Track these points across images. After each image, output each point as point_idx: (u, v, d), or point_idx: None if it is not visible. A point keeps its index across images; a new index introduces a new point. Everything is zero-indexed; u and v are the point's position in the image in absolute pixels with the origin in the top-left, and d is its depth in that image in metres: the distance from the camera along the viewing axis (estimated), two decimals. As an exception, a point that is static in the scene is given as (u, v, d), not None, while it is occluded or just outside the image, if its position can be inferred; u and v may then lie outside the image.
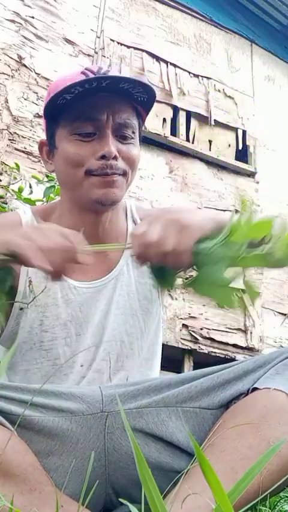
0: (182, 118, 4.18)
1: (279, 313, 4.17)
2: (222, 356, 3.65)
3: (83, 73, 1.04)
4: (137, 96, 1.03)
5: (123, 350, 1.09)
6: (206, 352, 3.60)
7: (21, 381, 1.05)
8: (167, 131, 4.01)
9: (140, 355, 1.11)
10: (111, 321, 1.09)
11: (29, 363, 1.07)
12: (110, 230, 1.13)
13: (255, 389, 0.85)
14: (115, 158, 1.02)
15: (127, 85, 1.00)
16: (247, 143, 4.48)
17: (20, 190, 2.66)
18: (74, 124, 1.03)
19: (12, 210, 2.65)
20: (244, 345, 3.78)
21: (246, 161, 4.44)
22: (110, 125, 1.03)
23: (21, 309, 1.08)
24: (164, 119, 4.04)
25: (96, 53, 3.87)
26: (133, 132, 1.06)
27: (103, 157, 1.01)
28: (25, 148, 3.29)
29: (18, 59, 3.45)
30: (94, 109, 1.02)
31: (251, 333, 3.86)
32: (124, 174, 1.05)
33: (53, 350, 1.06)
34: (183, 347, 3.50)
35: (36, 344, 1.06)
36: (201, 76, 4.40)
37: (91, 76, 1.02)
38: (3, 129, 3.23)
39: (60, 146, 1.07)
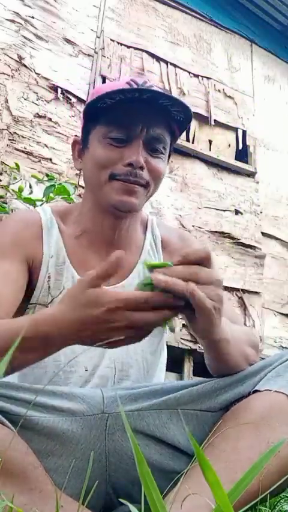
0: (182, 118, 4.18)
1: (279, 313, 4.17)
2: (222, 356, 3.65)
3: (128, 83, 1.09)
4: (174, 114, 1.07)
5: (128, 359, 1.10)
6: (206, 352, 3.60)
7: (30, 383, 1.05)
8: (167, 131, 4.01)
9: (144, 365, 1.12)
10: None
11: (37, 366, 1.06)
12: (125, 237, 1.17)
13: (255, 391, 0.85)
14: (141, 168, 1.06)
15: (166, 102, 1.04)
16: (247, 143, 4.48)
17: (20, 190, 2.66)
18: (109, 128, 1.07)
19: (12, 210, 2.65)
20: (244, 345, 3.78)
21: (246, 161, 4.44)
22: (142, 136, 1.06)
23: (38, 303, 1.10)
24: (164, 119, 4.05)
25: (96, 53, 3.87)
26: (164, 148, 1.10)
27: (130, 164, 1.05)
28: (25, 148, 3.29)
29: (18, 59, 3.45)
30: (130, 117, 1.06)
31: (251, 333, 3.86)
32: (146, 186, 1.09)
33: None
34: (183, 347, 3.50)
35: None
36: (201, 76, 4.40)
37: (135, 86, 1.07)
38: (3, 129, 3.23)
39: (92, 146, 1.11)
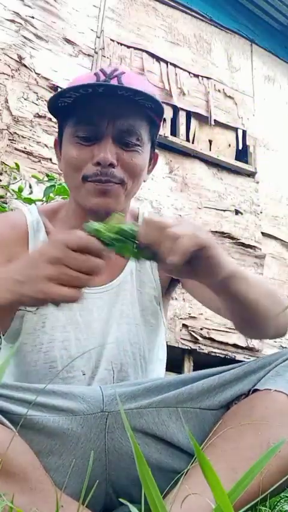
0: (182, 118, 4.18)
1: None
2: (222, 356, 3.65)
3: (96, 74, 1.04)
4: (142, 103, 1.01)
5: (126, 359, 1.08)
6: (206, 352, 3.60)
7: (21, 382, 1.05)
8: (167, 131, 4.01)
9: (144, 366, 1.11)
10: (114, 329, 1.08)
11: (29, 365, 1.06)
12: None
13: (255, 390, 0.85)
14: (111, 165, 1.00)
15: (126, 93, 0.98)
16: (247, 143, 4.48)
17: (20, 190, 2.66)
18: (76, 127, 1.03)
19: (12, 210, 2.65)
20: (244, 345, 3.78)
21: (246, 161, 4.44)
22: (110, 132, 1.01)
23: (27, 310, 1.07)
24: (164, 119, 4.04)
25: (96, 53, 3.87)
26: (138, 139, 1.03)
27: (98, 163, 1.00)
28: (25, 148, 3.29)
29: (18, 59, 3.45)
30: (94, 113, 1.01)
31: (251, 333, 3.86)
32: (122, 183, 1.03)
33: (49, 352, 1.05)
34: (183, 347, 3.50)
35: (37, 345, 1.06)
36: (201, 76, 4.40)
37: (102, 77, 1.02)
38: (3, 129, 3.23)
39: (64, 147, 1.07)
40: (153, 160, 1.15)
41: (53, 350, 1.05)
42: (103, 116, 1.01)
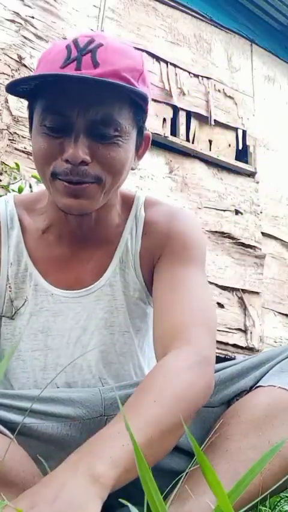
0: (182, 118, 4.18)
1: (279, 313, 4.17)
2: (222, 356, 3.65)
3: (67, 46, 0.86)
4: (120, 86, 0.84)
5: (112, 372, 1.00)
6: (206, 352, 3.59)
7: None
8: (167, 131, 4.01)
9: (139, 373, 1.05)
10: (96, 340, 0.99)
11: (10, 373, 1.01)
12: (95, 232, 1.01)
13: (258, 386, 0.84)
14: (84, 163, 0.85)
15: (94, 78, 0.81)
16: (247, 143, 4.48)
17: (20, 190, 2.66)
18: (42, 115, 0.86)
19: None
20: (244, 345, 3.78)
21: (246, 161, 4.44)
22: (81, 123, 0.84)
23: (3, 315, 1.02)
24: (164, 119, 4.04)
25: (96, 53, 3.87)
26: (117, 129, 0.87)
27: (68, 161, 0.85)
28: (25, 148, 3.28)
29: (18, 59, 3.45)
30: (62, 101, 0.84)
31: (251, 333, 3.86)
32: (98, 181, 0.88)
33: (26, 361, 1.00)
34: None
35: (16, 352, 1.00)
36: (201, 76, 4.40)
37: (74, 53, 0.84)
38: (3, 129, 3.23)
39: (33, 134, 0.91)
40: (144, 143, 0.99)
41: (30, 359, 1.00)
42: (72, 104, 0.83)
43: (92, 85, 0.83)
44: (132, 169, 0.97)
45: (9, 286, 1.00)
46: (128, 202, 1.07)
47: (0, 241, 1.01)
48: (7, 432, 0.79)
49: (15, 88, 0.86)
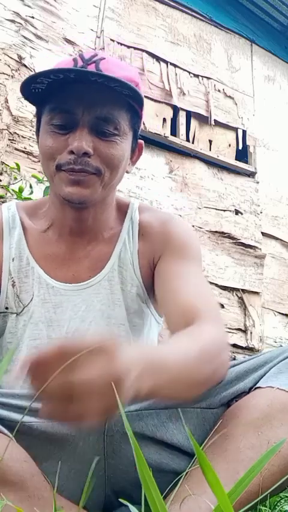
0: (182, 118, 4.18)
1: (279, 313, 4.17)
2: (222, 356, 3.65)
3: (74, 59, 0.99)
4: (120, 90, 0.95)
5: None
6: (206, 352, 3.60)
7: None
8: (167, 131, 4.01)
9: None
10: (93, 330, 1.03)
11: (12, 364, 1.02)
12: (93, 227, 1.08)
13: (257, 387, 0.84)
14: (86, 155, 0.96)
15: (99, 79, 0.93)
16: (247, 143, 4.48)
17: (20, 190, 2.67)
18: (51, 114, 0.98)
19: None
20: (244, 345, 3.78)
21: (246, 161, 4.44)
22: (86, 120, 0.96)
23: (6, 308, 1.05)
24: (164, 119, 4.04)
25: (96, 53, 3.87)
26: (117, 128, 0.98)
27: (72, 152, 0.96)
28: (25, 148, 3.29)
29: (18, 59, 3.45)
30: (69, 101, 0.96)
31: (251, 333, 3.86)
32: (98, 173, 0.98)
33: (21, 351, 1.03)
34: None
35: (17, 344, 1.04)
36: (201, 76, 4.40)
37: (80, 63, 0.97)
38: (3, 129, 3.23)
39: (40, 135, 1.02)
40: (137, 150, 1.10)
41: (24, 348, 1.03)
42: (78, 103, 0.96)
43: (95, 86, 0.93)
44: (127, 172, 1.07)
45: (13, 281, 1.06)
46: (123, 207, 1.16)
47: (2, 239, 1.08)
48: (6, 431, 0.79)
49: (29, 87, 0.96)
